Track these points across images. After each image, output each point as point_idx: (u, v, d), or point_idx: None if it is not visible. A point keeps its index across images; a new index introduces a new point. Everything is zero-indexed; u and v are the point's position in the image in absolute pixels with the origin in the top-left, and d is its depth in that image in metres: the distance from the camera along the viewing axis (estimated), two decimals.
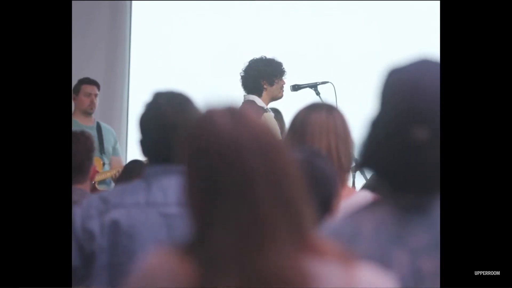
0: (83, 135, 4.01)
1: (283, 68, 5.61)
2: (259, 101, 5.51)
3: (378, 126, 1.74)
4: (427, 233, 1.71)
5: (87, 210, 2.52)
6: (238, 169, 1.48)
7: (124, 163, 5.68)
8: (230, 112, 1.52)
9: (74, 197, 3.35)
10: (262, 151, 1.49)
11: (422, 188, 1.72)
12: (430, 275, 1.68)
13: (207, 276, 1.48)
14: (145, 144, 2.62)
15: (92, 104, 6.01)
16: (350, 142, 2.83)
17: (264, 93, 5.56)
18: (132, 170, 4.30)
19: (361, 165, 1.77)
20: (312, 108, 2.87)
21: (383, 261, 1.70)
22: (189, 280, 1.49)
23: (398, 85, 1.73)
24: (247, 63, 5.62)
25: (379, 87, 1.75)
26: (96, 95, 6.05)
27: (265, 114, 5.44)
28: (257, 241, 1.47)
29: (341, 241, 1.74)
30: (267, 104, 5.57)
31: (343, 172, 2.80)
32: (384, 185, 1.75)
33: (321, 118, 2.81)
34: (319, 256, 1.50)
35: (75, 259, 2.50)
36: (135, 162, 4.48)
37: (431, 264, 1.69)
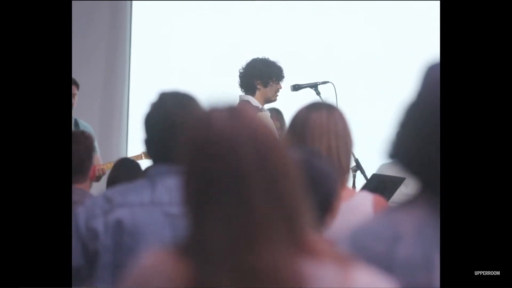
0: (83, 135, 4.02)
1: (282, 73, 5.58)
2: (253, 100, 5.50)
3: (414, 121, 1.69)
4: None
5: (91, 209, 2.52)
6: (233, 167, 1.47)
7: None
8: (228, 111, 1.52)
9: (74, 197, 3.36)
10: (257, 149, 1.48)
11: None
12: None
13: (201, 275, 1.48)
14: (150, 144, 2.62)
15: None
16: (350, 142, 2.80)
17: (258, 93, 5.55)
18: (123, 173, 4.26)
19: (391, 155, 1.72)
20: (312, 108, 2.83)
21: (427, 263, 1.67)
22: (183, 280, 1.49)
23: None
24: (247, 61, 5.62)
25: (420, 77, 1.71)
26: (74, 94, 5.96)
27: (258, 113, 5.43)
28: (251, 240, 1.46)
29: (381, 244, 1.69)
30: (262, 105, 5.56)
31: (343, 172, 2.76)
32: (413, 181, 1.71)
33: (322, 118, 2.78)
34: (314, 257, 1.49)
35: (79, 258, 2.50)
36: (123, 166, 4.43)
37: None
